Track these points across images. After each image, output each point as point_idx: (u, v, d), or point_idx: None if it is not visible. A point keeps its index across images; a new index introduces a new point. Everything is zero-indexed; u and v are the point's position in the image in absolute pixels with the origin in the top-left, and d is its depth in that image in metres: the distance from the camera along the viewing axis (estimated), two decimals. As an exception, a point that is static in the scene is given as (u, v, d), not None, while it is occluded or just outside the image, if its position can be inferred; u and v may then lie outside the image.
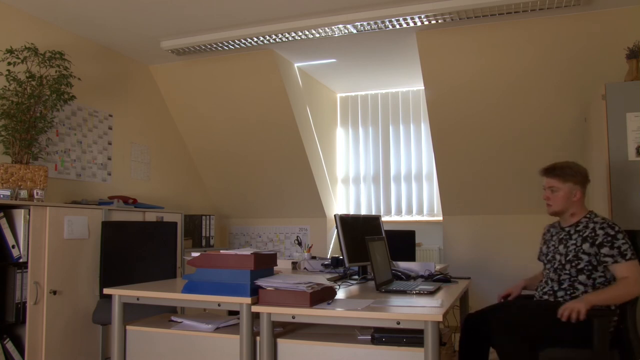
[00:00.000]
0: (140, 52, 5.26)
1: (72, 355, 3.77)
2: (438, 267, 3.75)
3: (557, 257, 2.88)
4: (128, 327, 2.68)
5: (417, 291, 2.62)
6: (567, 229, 2.92)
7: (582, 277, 2.76)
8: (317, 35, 4.62)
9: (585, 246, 2.76)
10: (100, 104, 4.96)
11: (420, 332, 2.05)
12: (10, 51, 3.78)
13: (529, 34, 4.45)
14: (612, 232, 2.71)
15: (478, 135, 5.13)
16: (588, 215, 2.87)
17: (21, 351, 3.47)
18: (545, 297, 2.88)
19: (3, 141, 3.77)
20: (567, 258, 2.81)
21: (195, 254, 2.48)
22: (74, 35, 4.70)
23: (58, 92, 3.92)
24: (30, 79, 3.83)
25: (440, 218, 5.92)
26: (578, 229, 2.85)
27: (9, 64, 3.77)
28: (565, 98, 4.69)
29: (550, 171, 2.94)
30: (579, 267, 2.76)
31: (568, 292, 2.79)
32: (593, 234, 2.75)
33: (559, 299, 2.80)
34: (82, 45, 4.77)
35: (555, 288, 2.84)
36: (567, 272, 2.80)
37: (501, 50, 4.61)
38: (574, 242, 2.82)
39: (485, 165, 5.30)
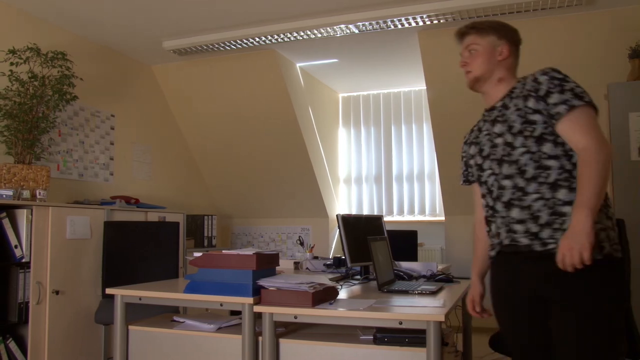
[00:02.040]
0: (142, 53, 5.27)
1: (74, 355, 3.78)
2: (440, 267, 3.74)
3: (499, 142, 1.98)
4: (130, 327, 2.68)
5: (419, 291, 2.62)
6: (497, 105, 2.04)
7: (547, 147, 1.86)
8: (319, 35, 4.63)
9: (531, 103, 1.90)
10: (102, 104, 4.96)
11: (423, 332, 2.05)
12: (12, 51, 3.79)
13: (531, 34, 4.44)
14: (561, 75, 1.88)
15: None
16: (522, 80, 2.01)
17: (24, 351, 3.48)
18: (504, 231, 1.95)
19: (6, 141, 3.78)
20: (514, 130, 1.92)
21: (197, 254, 2.48)
22: (76, 36, 4.71)
23: (60, 93, 3.93)
24: (32, 79, 3.84)
25: (443, 218, 5.91)
26: (513, 95, 1.99)
27: (12, 64, 3.77)
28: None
29: (466, 29, 2.15)
30: (536, 133, 1.88)
31: (541, 180, 1.86)
32: (535, 85, 1.90)
33: (537, 214, 1.86)
34: (84, 45, 4.78)
35: (520, 183, 1.90)
36: (524, 148, 1.89)
37: None
38: (515, 106, 1.95)
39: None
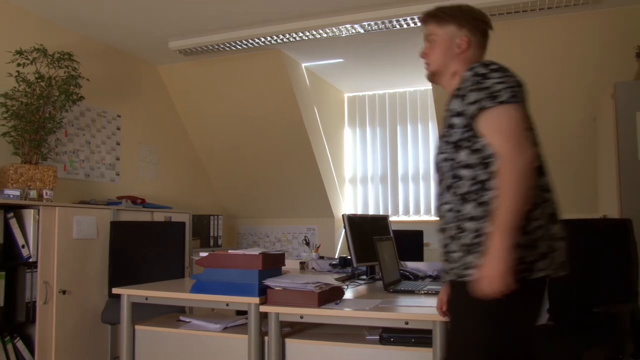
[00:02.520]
0: (148, 53, 5.28)
1: (81, 354, 3.79)
2: (446, 267, 3.74)
3: (437, 146, 1.85)
4: (137, 327, 2.69)
5: (425, 291, 2.62)
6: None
7: (462, 155, 1.69)
8: (325, 35, 4.63)
9: (454, 104, 1.73)
10: (108, 104, 4.98)
11: (429, 332, 2.05)
12: (19, 52, 3.80)
13: (537, 33, 4.44)
14: (484, 71, 1.66)
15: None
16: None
17: (31, 350, 3.50)
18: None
19: (13, 142, 3.79)
20: (441, 134, 1.82)
21: (203, 254, 2.49)
22: (83, 36, 4.72)
23: (67, 93, 3.94)
24: (39, 80, 3.85)
25: (448, 218, 5.89)
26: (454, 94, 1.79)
27: (19, 65, 3.79)
28: (574, 97, 4.67)
29: (426, 16, 1.92)
30: (453, 139, 1.72)
31: (454, 191, 1.72)
32: (461, 84, 1.73)
33: (447, 227, 1.75)
34: (91, 46, 4.80)
35: (442, 192, 1.78)
36: (444, 154, 1.76)
37: (508, 50, 4.58)
38: (446, 107, 1.80)
39: (493, 164, 5.27)
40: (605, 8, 4.17)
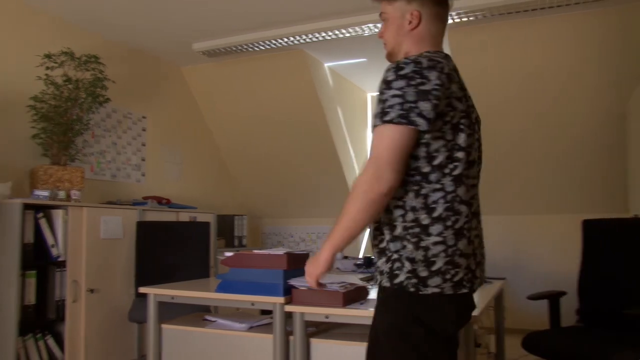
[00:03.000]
0: (172, 54, 5.33)
1: (109, 352, 3.85)
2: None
3: None
4: (163, 326, 2.72)
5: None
6: None
7: None
8: (347, 35, 4.62)
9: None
10: (134, 105, 5.04)
11: (454, 332, 2.03)
12: (48, 56, 3.87)
13: (565, 28, 4.37)
14: (392, 77, 1.53)
15: (510, 133, 5.06)
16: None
17: (61, 347, 3.56)
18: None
19: (42, 143, 3.86)
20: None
21: (228, 254, 2.51)
22: (108, 39, 4.79)
23: (93, 95, 4.00)
24: (67, 83, 3.92)
25: (473, 217, 5.85)
26: None
27: (47, 68, 3.86)
28: (603, 93, 4.59)
29: None
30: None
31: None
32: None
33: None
34: (116, 48, 4.86)
35: None
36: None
37: (535, 47, 4.53)
38: None
39: (517, 163, 5.23)
40: (631, 2, 4.09)
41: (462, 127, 1.58)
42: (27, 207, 3.43)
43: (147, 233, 4.07)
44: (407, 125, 1.48)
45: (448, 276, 1.52)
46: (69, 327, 3.57)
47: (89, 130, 4.31)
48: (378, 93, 1.56)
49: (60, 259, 3.57)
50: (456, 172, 1.56)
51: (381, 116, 1.51)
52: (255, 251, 2.47)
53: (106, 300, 3.85)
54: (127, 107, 4.95)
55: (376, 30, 4.51)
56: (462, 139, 1.57)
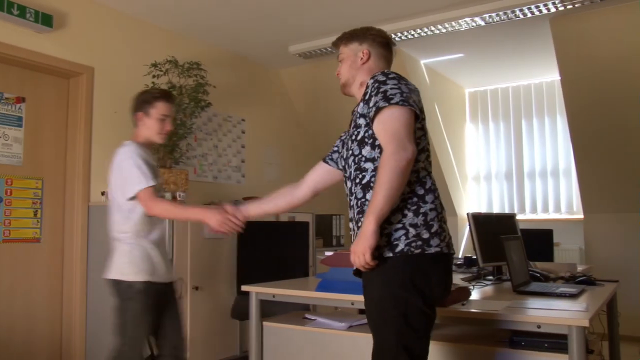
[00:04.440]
0: (269, 58, 5.45)
1: (212, 347, 3.99)
2: (580, 268, 3.52)
3: (348, 145, 2.07)
4: (265, 323, 2.78)
5: (558, 293, 2.48)
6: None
7: (366, 150, 1.92)
8: (444, 31, 4.53)
9: (360, 107, 1.99)
10: (233, 109, 5.20)
11: (563, 337, 1.93)
12: (154, 65, 4.07)
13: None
14: (383, 78, 1.90)
15: (622, 125, 4.75)
16: None
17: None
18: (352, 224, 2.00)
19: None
20: (349, 134, 2.06)
21: (328, 253, 2.53)
22: (209, 45, 4.97)
23: (196, 100, 4.17)
24: (171, 89, 4.10)
25: (581, 216, 5.55)
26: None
27: (154, 76, 4.06)
28: None
29: (336, 41, 2.26)
30: (359, 137, 1.95)
31: (357, 181, 1.94)
32: (365, 90, 1.98)
33: (354, 213, 1.97)
34: (216, 54, 5.04)
35: (348, 185, 2.02)
36: (351, 152, 1.99)
37: (621, 33, 4.22)
38: (354, 110, 2.08)
39: (631, 158, 4.89)
40: None
41: (425, 125, 1.97)
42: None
43: (248, 233, 4.16)
44: (409, 107, 1.83)
45: (442, 237, 1.83)
46: (177, 322, 3.73)
47: (192, 134, 4.49)
48: (375, 90, 1.88)
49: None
50: (430, 158, 1.97)
51: (387, 100, 1.82)
52: (354, 250, 2.46)
53: (209, 297, 3.99)
54: (226, 110, 5.11)
55: (474, 24, 4.39)
56: (426, 135, 1.96)
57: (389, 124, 1.81)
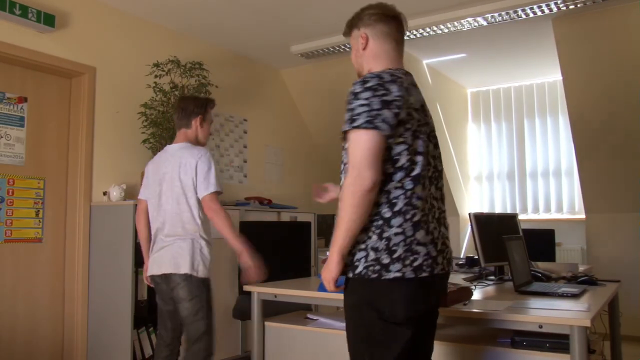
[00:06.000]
0: (271, 58, 5.45)
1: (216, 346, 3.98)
2: (581, 268, 3.52)
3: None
4: (267, 323, 2.79)
5: (560, 293, 2.47)
6: None
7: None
8: (446, 30, 4.53)
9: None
10: (235, 109, 5.20)
11: (565, 337, 1.93)
12: (156, 65, 4.08)
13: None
14: (359, 89, 1.76)
15: (624, 125, 4.74)
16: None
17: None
18: None
19: (152, 147, 4.07)
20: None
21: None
22: (211, 45, 4.97)
23: (198, 100, 4.17)
24: (173, 89, 4.11)
25: (583, 216, 5.55)
26: None
27: (156, 76, 4.07)
28: None
29: (344, 30, 2.10)
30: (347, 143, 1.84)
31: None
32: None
33: None
34: (218, 54, 5.04)
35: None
36: (343, 150, 1.90)
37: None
38: None
39: (633, 158, 4.88)
40: None
41: (419, 134, 1.80)
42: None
43: (249, 233, 4.17)
44: (373, 129, 1.69)
45: (407, 262, 1.72)
46: (179, 322, 3.72)
47: (194, 134, 4.48)
48: (348, 104, 1.76)
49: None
50: (415, 173, 1.76)
51: (350, 122, 1.73)
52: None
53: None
54: (228, 110, 5.12)
55: (476, 24, 4.39)
56: (419, 144, 1.79)
57: (350, 150, 1.73)
